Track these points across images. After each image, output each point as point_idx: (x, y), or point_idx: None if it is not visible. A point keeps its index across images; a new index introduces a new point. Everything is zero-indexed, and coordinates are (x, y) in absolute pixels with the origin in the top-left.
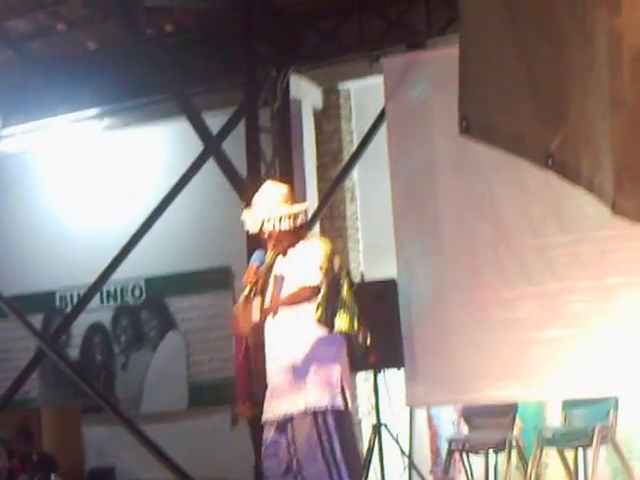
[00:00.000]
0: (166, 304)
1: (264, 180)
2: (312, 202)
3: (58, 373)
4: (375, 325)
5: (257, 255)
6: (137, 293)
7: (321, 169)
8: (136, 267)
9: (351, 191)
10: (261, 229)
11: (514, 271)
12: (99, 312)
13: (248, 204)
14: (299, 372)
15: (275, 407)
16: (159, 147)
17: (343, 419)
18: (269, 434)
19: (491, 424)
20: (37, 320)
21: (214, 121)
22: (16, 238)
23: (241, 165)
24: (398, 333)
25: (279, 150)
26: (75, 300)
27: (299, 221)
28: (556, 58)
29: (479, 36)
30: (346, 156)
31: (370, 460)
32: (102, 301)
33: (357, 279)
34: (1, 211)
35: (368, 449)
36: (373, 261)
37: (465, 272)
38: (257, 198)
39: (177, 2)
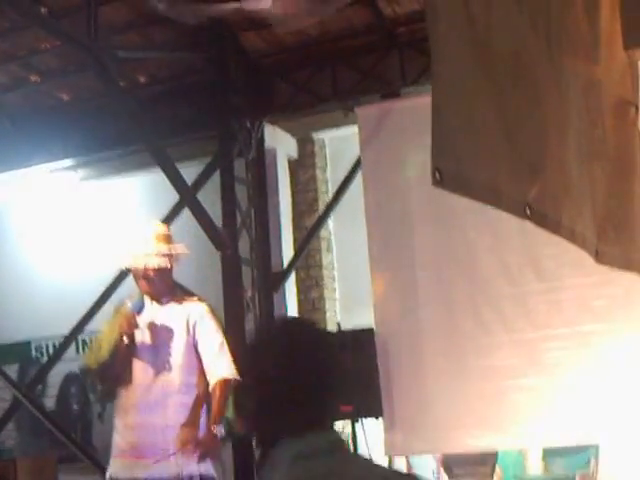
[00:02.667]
0: None
1: (239, 230)
2: (288, 251)
3: (34, 423)
4: (352, 374)
5: (133, 302)
6: None
7: (297, 218)
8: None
9: (327, 240)
10: (137, 266)
11: (491, 319)
12: (75, 362)
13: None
14: (165, 435)
15: (134, 468)
16: (134, 197)
17: None
18: None
19: (471, 473)
20: (13, 370)
21: (189, 171)
22: None
23: (216, 215)
24: (376, 382)
25: (254, 200)
26: (51, 350)
27: (174, 262)
28: (532, 109)
29: (452, 88)
30: (322, 205)
31: None
32: (78, 351)
33: (334, 328)
34: None
35: None
36: (349, 310)
37: (442, 320)
38: (137, 235)
39: (150, 53)
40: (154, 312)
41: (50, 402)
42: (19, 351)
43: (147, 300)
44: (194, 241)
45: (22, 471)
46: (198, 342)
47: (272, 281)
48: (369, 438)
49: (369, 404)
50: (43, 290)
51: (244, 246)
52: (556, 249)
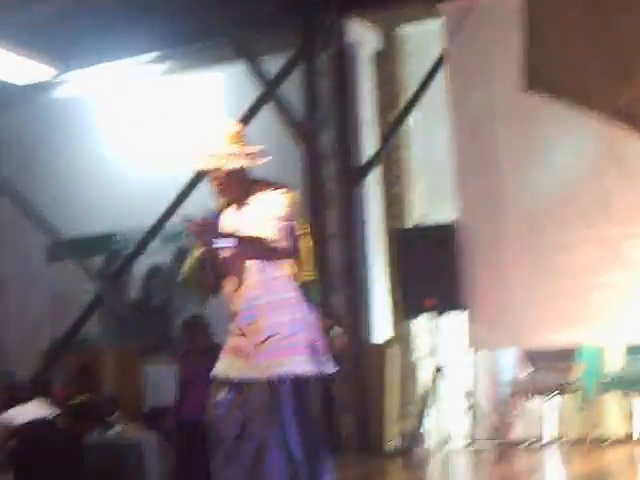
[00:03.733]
0: None
1: (321, 124)
2: (370, 146)
3: (118, 314)
4: (436, 268)
5: (210, 212)
6: None
7: (379, 113)
8: (196, 209)
9: (409, 135)
10: (208, 168)
11: (573, 216)
12: (159, 254)
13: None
14: (264, 336)
15: (236, 368)
16: (217, 91)
17: (301, 386)
18: (222, 394)
19: (552, 367)
20: (96, 263)
21: (271, 65)
22: (76, 181)
23: (298, 110)
24: (458, 276)
25: (336, 94)
26: (135, 242)
27: (250, 163)
28: (621, 15)
29: None
30: (404, 100)
31: (429, 401)
32: (162, 243)
33: (416, 222)
34: (62, 155)
35: (428, 390)
36: (431, 205)
37: (524, 217)
38: (207, 135)
39: None
40: (233, 216)
41: (134, 294)
42: (103, 243)
43: (228, 207)
44: (275, 136)
45: (107, 361)
46: (266, 224)
47: (354, 176)
48: (451, 333)
49: (453, 298)
50: (127, 183)
51: (326, 141)
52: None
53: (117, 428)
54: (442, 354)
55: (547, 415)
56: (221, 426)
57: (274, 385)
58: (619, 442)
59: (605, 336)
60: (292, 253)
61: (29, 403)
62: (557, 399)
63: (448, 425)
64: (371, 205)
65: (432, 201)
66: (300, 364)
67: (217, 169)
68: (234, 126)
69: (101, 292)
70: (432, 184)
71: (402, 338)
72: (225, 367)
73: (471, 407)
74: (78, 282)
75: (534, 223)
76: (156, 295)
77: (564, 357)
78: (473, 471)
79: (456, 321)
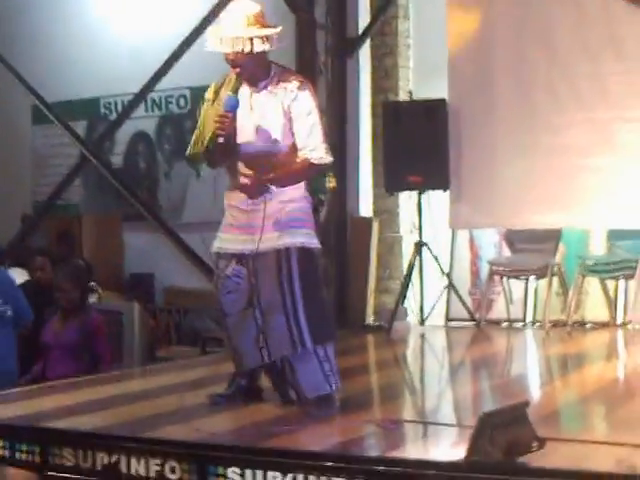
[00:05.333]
0: None
1: None
2: (364, 17)
3: (101, 180)
4: (422, 145)
5: (229, 100)
6: (182, 103)
7: None
8: (182, 77)
9: (404, 7)
10: (227, 50)
11: (566, 96)
12: (143, 120)
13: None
14: (271, 209)
15: (239, 241)
16: None
17: (309, 257)
18: (228, 266)
19: (534, 249)
20: (80, 127)
21: None
22: (62, 43)
23: None
24: (445, 155)
25: None
26: (120, 108)
27: (270, 45)
28: None
29: None
30: None
31: (410, 278)
32: (147, 110)
33: (407, 97)
34: (47, 16)
35: (409, 266)
36: (423, 80)
37: (516, 95)
38: (224, 15)
39: None
40: (250, 99)
41: (117, 160)
42: (87, 107)
43: (244, 86)
44: (270, 3)
45: (87, 227)
46: (293, 124)
47: (346, 47)
48: (434, 211)
49: (437, 176)
50: (115, 46)
51: (320, 10)
52: (638, 29)
53: (95, 295)
54: (423, 232)
55: (526, 297)
56: (228, 300)
57: (282, 255)
58: (600, 326)
59: (590, 220)
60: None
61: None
62: (538, 281)
63: (427, 302)
64: (362, 78)
65: (424, 75)
66: (307, 236)
67: (237, 53)
68: (255, 7)
69: (84, 157)
70: (425, 58)
71: (385, 213)
72: (229, 242)
73: (450, 285)
74: (62, 146)
75: (525, 102)
76: (140, 161)
77: (546, 239)
78: (452, 348)
79: (439, 200)
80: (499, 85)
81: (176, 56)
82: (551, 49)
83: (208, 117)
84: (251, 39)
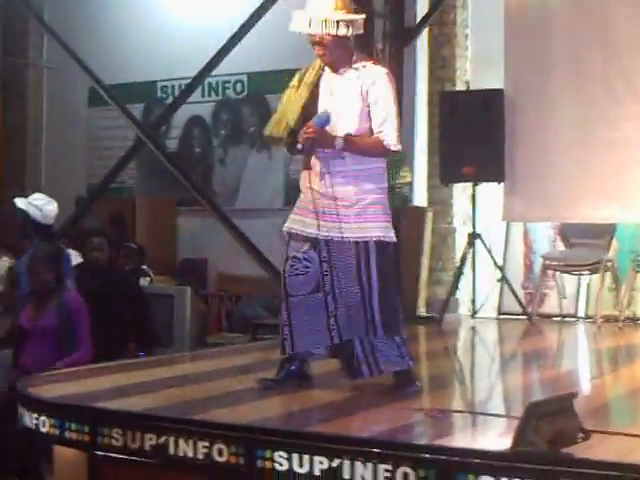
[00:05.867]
0: (267, 101)
1: None
2: (422, 6)
3: (156, 164)
4: (477, 135)
5: (319, 118)
6: (239, 88)
7: None
8: (239, 62)
9: None
10: (314, 32)
11: (623, 89)
12: (200, 105)
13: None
14: (353, 199)
15: (317, 226)
16: None
17: (385, 250)
18: (301, 249)
19: (587, 244)
20: (137, 110)
21: None
22: (121, 26)
23: None
24: (500, 146)
25: None
26: (177, 92)
27: (354, 30)
28: None
29: None
30: None
31: (463, 269)
32: (203, 94)
33: (463, 87)
34: (109, 1)
35: (461, 258)
36: (480, 70)
37: (573, 88)
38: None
39: None
40: (331, 84)
41: (172, 144)
42: (144, 91)
43: (326, 71)
44: None
45: (141, 210)
46: (370, 108)
47: (404, 35)
48: (489, 203)
49: (492, 168)
50: (173, 31)
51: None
52: None
53: (147, 279)
54: (477, 224)
55: (579, 292)
56: (295, 282)
57: (361, 248)
58: None
59: None
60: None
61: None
62: (591, 276)
63: (479, 295)
64: (419, 67)
65: (481, 65)
66: (385, 230)
67: (324, 35)
68: None
69: (140, 140)
70: (483, 48)
71: (440, 204)
72: (303, 224)
73: (503, 279)
74: (117, 129)
75: (582, 94)
76: (195, 146)
77: (600, 234)
78: (503, 341)
79: (493, 192)
80: (555, 77)
81: (234, 41)
82: (608, 41)
83: (290, 102)
84: (338, 22)
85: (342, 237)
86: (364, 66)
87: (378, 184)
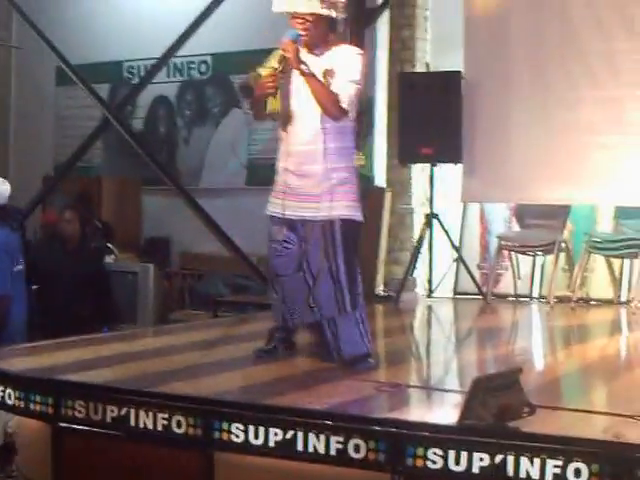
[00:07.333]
0: (231, 81)
1: None
2: None
3: (121, 144)
4: (436, 117)
5: (290, 32)
6: (203, 69)
7: None
8: (204, 43)
9: None
10: (300, 10)
11: (578, 73)
12: (165, 86)
13: None
14: (322, 178)
15: (291, 207)
16: None
17: (350, 229)
18: (281, 231)
19: (542, 225)
20: (103, 90)
21: None
22: (88, 6)
23: None
24: (458, 128)
25: None
26: (142, 72)
27: (337, 13)
28: None
29: None
30: None
31: (420, 249)
32: (169, 75)
33: (423, 69)
34: None
35: (419, 238)
36: (440, 52)
37: (530, 71)
38: None
39: None
40: (307, 60)
41: (138, 124)
42: (110, 71)
43: (302, 51)
44: None
45: (107, 189)
46: (333, 78)
47: (365, 17)
48: (447, 184)
49: (450, 149)
50: (138, 12)
51: None
52: None
53: (112, 256)
54: (435, 204)
55: (534, 272)
56: (279, 262)
57: (330, 225)
58: (604, 303)
59: (598, 197)
60: (352, 120)
61: None
62: (545, 257)
63: (436, 275)
64: (380, 48)
65: (441, 47)
66: (350, 209)
67: (309, 13)
68: None
69: (106, 119)
70: (443, 30)
71: (398, 184)
72: (279, 206)
73: (459, 259)
74: (84, 108)
75: (540, 77)
76: (160, 126)
77: (555, 215)
78: (458, 319)
79: (451, 173)
80: (514, 59)
81: (199, 22)
82: (565, 25)
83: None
84: (322, 2)
85: (314, 216)
86: (339, 48)
87: (348, 163)
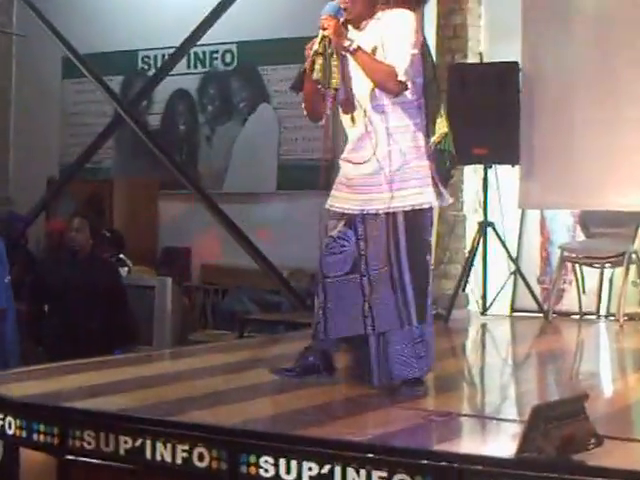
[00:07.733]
0: (259, 73)
1: None
2: None
3: (136, 142)
4: (490, 113)
5: (329, 5)
6: (228, 59)
7: None
8: (228, 30)
9: None
10: None
11: None
12: (185, 78)
13: None
14: (381, 164)
15: (351, 200)
16: None
17: (419, 222)
18: (337, 226)
19: (610, 234)
20: (116, 83)
21: None
22: None
23: None
24: (515, 125)
25: None
26: (159, 63)
27: None
28: None
29: None
30: None
31: (472, 262)
32: (189, 66)
33: (476, 59)
34: None
35: (471, 249)
36: (495, 40)
37: (598, 62)
38: None
39: None
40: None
41: (154, 120)
42: (124, 61)
43: (349, 29)
44: None
45: (119, 193)
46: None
47: (410, 2)
48: (502, 187)
49: (507, 149)
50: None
51: None
52: None
53: (125, 269)
54: (489, 211)
55: (601, 287)
56: (330, 261)
57: (393, 219)
58: None
59: None
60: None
61: None
62: (613, 270)
63: (490, 290)
64: (428, 36)
65: (496, 35)
66: (421, 196)
67: None
68: None
69: (119, 116)
70: (498, 16)
71: (448, 188)
72: (338, 200)
73: (517, 272)
74: (94, 103)
75: (608, 71)
76: (180, 123)
77: (624, 223)
78: (516, 340)
79: (507, 176)
80: (579, 47)
81: (223, 7)
82: (635, 12)
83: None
84: None
85: (374, 209)
86: (383, 13)
87: (413, 143)
